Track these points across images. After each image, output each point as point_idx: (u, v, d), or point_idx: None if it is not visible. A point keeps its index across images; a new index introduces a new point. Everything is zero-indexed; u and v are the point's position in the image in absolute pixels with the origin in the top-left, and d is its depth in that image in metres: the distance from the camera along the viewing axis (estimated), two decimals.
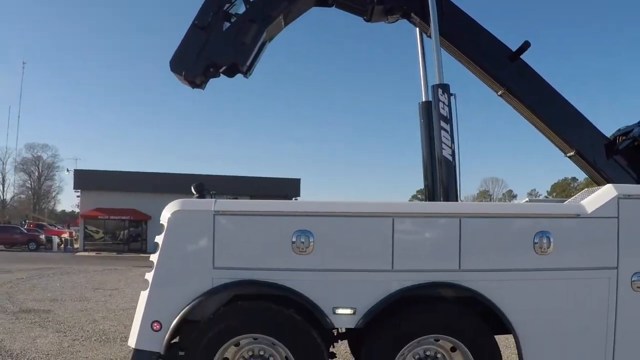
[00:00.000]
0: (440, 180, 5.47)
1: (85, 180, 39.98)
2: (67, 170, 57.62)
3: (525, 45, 5.82)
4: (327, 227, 4.42)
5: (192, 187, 4.83)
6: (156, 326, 4.47)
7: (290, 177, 43.48)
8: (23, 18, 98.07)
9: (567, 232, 4.54)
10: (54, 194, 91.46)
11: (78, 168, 43.53)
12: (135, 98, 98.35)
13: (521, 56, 5.92)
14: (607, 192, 4.65)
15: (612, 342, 4.53)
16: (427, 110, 5.86)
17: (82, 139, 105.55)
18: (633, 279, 4.54)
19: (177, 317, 4.40)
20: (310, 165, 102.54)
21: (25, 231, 40.32)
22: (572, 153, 6.01)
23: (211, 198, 4.81)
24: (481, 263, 4.41)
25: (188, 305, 4.39)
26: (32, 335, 8.46)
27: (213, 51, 5.70)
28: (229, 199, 5.19)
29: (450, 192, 5.40)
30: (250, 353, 4.52)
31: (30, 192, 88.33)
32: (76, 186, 40.59)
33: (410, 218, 4.47)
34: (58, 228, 50.13)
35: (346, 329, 4.62)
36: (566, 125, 5.94)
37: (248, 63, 5.77)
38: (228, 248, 4.46)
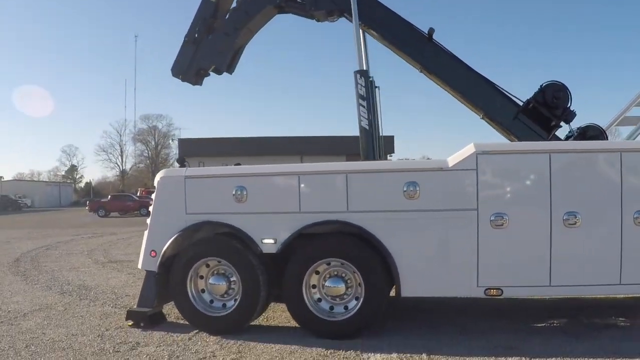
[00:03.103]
0: (360, 144, 7.76)
1: (189, 147, 45.13)
2: (172, 140, 63.86)
3: (431, 31, 7.85)
4: (255, 184, 6.94)
5: (175, 160, 7.59)
6: (153, 254, 7.28)
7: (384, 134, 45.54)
8: None
9: (432, 182, 6.59)
10: (171, 162, 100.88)
11: (182, 137, 49.02)
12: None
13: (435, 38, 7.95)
14: (468, 149, 6.59)
15: (476, 269, 6.46)
16: None
17: (192, 107, 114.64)
18: (491, 218, 6.44)
19: (165, 246, 7.16)
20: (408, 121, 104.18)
21: (137, 198, 46.55)
22: (482, 115, 7.96)
23: (191, 167, 7.52)
24: (363, 206, 6.65)
25: (171, 238, 7.15)
26: (108, 277, 11.86)
27: (199, 59, 8.38)
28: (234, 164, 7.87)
29: (369, 153, 7.69)
30: (215, 271, 7.19)
31: (148, 161, 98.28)
32: (181, 154, 45.92)
33: (310, 175, 6.86)
34: None
35: None
36: (472, 92, 7.91)
37: (225, 66, 8.39)
38: (195, 200, 7.13)
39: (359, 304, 6.70)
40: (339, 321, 6.73)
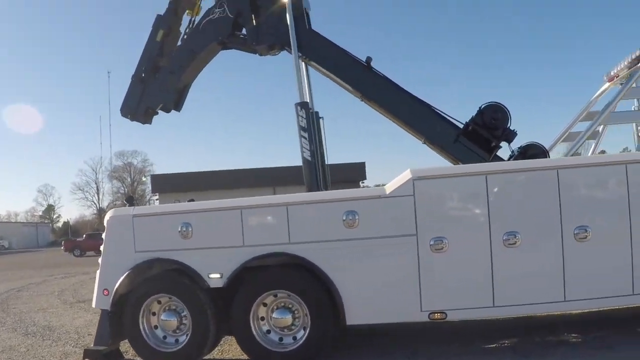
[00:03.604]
0: (304, 175, 8.03)
1: (161, 183, 45.12)
2: (144, 177, 63.92)
3: (369, 59, 8.21)
4: (200, 220, 7.15)
5: (124, 199, 7.79)
6: (105, 292, 7.40)
7: (355, 161, 45.66)
8: (104, 30, 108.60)
9: (371, 209, 6.80)
10: (148, 198, 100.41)
11: (155, 173, 49.06)
12: (207, 95, 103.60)
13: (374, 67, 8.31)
14: (404, 176, 6.82)
15: (419, 294, 6.63)
16: None
17: (166, 141, 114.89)
18: (431, 242, 6.63)
19: (116, 285, 7.29)
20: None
21: None
22: (423, 140, 8.27)
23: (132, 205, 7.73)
24: (305, 237, 6.86)
25: (122, 277, 7.30)
26: (74, 317, 11.93)
27: (147, 98, 8.66)
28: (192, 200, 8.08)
29: (312, 184, 7.95)
30: (167, 307, 7.34)
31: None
32: (154, 190, 45.99)
33: (252, 209, 7.08)
34: None
35: None
36: (412, 117, 8.23)
37: (173, 104, 8.68)
38: (143, 238, 7.30)
39: (306, 333, 6.89)
40: (288, 352, 6.91)
